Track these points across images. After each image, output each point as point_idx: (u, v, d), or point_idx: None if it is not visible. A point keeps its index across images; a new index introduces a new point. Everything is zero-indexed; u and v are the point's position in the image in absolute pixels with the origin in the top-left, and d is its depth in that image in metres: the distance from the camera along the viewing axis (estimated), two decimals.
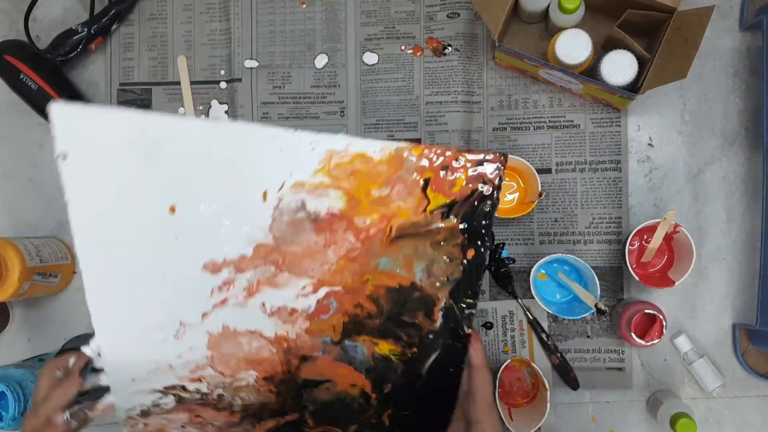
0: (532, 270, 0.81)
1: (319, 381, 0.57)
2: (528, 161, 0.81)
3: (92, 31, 0.89)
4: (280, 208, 0.49)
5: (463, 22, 0.88)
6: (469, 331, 0.55)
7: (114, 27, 0.92)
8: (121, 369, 0.58)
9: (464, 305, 0.54)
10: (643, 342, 0.77)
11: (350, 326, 0.54)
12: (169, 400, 0.59)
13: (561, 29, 0.79)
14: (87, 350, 0.58)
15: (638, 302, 0.81)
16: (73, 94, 0.89)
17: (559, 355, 0.85)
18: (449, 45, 0.88)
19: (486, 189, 0.49)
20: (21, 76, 0.86)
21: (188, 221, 0.50)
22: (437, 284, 0.53)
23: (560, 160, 0.87)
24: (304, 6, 0.91)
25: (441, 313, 0.54)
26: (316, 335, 0.55)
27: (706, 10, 0.74)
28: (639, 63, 0.77)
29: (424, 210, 0.50)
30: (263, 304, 0.53)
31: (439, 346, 0.55)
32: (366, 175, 0.49)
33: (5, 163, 0.94)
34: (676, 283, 0.78)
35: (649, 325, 0.79)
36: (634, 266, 0.80)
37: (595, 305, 0.79)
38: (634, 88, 0.79)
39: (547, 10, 0.81)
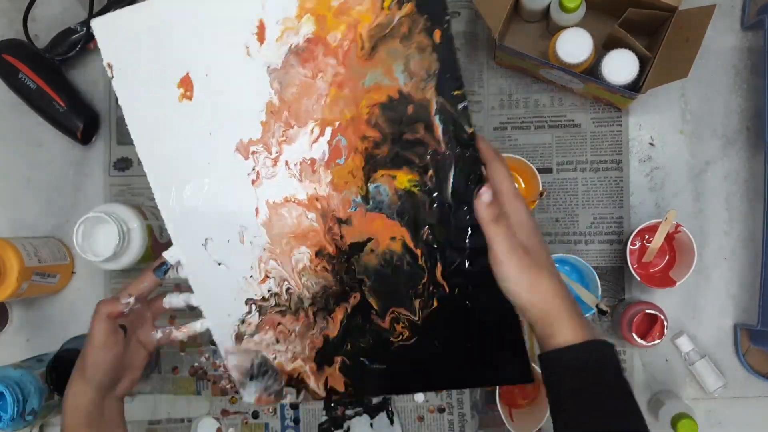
0: None
1: (362, 243, 0.61)
2: (529, 161, 0.81)
3: (91, 30, 0.89)
4: (269, 54, 0.57)
5: (464, 21, 0.88)
6: (471, 129, 0.56)
7: None
8: (208, 293, 0.66)
9: (454, 98, 0.55)
10: (644, 342, 0.77)
11: (366, 167, 0.58)
12: (254, 316, 0.66)
13: (562, 28, 0.79)
14: (166, 255, 0.63)
15: (639, 302, 0.81)
16: (72, 93, 0.89)
17: None
18: None
19: None
20: (20, 76, 0.86)
21: (209, 99, 0.60)
22: (421, 85, 0.55)
23: (561, 159, 0.87)
24: None
25: (438, 118, 0.56)
26: (343, 189, 0.59)
27: (708, 9, 0.73)
28: (640, 62, 0.77)
29: (382, 7, 0.54)
30: (287, 163, 0.60)
31: (452, 160, 0.57)
32: None
33: (4, 163, 0.93)
34: (678, 283, 0.78)
35: (650, 325, 0.79)
36: (635, 266, 0.80)
37: (596, 305, 0.78)
38: (635, 87, 0.78)
39: (548, 8, 0.81)
